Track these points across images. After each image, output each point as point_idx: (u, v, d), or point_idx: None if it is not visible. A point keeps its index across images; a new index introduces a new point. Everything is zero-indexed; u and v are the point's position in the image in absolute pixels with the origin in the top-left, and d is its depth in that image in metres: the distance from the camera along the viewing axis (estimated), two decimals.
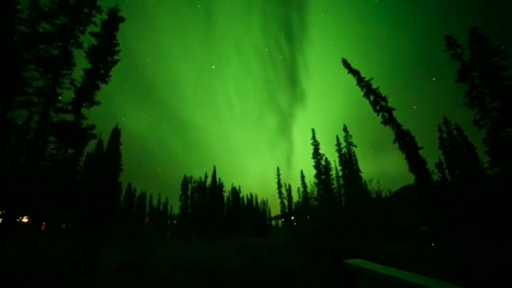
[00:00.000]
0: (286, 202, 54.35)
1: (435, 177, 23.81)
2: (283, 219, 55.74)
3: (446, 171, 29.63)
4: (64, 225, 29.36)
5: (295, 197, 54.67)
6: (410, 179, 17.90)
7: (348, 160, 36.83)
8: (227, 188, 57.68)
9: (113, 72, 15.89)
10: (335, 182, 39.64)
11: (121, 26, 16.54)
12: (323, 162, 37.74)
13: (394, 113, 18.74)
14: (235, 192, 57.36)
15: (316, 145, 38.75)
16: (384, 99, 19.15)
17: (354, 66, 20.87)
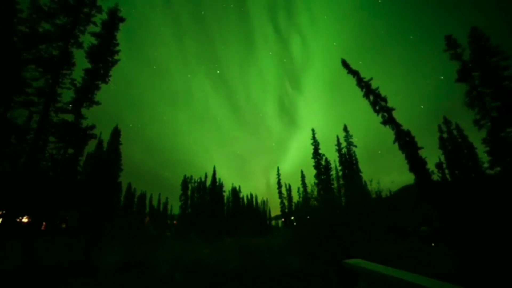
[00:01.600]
0: (286, 202, 54.37)
1: (435, 177, 23.82)
2: (283, 219, 55.74)
3: (446, 171, 29.62)
4: (64, 225, 29.35)
5: (295, 197, 54.73)
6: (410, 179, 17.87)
7: (348, 160, 36.83)
8: (227, 188, 57.73)
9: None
10: (335, 182, 39.64)
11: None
12: (323, 162, 37.74)
13: (394, 113, 18.73)
14: (235, 192, 57.36)
15: (316, 145, 38.74)
16: (384, 99, 19.13)
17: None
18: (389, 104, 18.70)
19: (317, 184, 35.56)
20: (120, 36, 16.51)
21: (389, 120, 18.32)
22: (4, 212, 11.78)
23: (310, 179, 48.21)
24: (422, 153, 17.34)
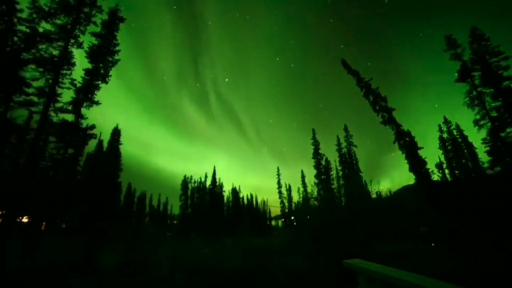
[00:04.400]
0: (286, 202, 54.39)
1: (435, 177, 23.83)
2: (283, 219, 55.78)
3: (446, 171, 29.63)
4: (64, 225, 29.37)
5: (295, 197, 54.76)
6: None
7: (348, 160, 36.83)
8: (227, 188, 57.72)
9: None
10: (335, 182, 39.62)
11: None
12: (323, 162, 37.73)
13: (394, 113, 18.75)
14: (235, 192, 57.34)
15: (316, 145, 38.75)
16: (384, 99, 19.15)
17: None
18: (389, 105, 18.73)
19: (317, 184, 35.58)
20: (119, 35, 16.50)
21: (389, 120, 18.35)
22: (4, 212, 11.79)
23: (310, 179, 48.25)
24: (422, 153, 17.36)
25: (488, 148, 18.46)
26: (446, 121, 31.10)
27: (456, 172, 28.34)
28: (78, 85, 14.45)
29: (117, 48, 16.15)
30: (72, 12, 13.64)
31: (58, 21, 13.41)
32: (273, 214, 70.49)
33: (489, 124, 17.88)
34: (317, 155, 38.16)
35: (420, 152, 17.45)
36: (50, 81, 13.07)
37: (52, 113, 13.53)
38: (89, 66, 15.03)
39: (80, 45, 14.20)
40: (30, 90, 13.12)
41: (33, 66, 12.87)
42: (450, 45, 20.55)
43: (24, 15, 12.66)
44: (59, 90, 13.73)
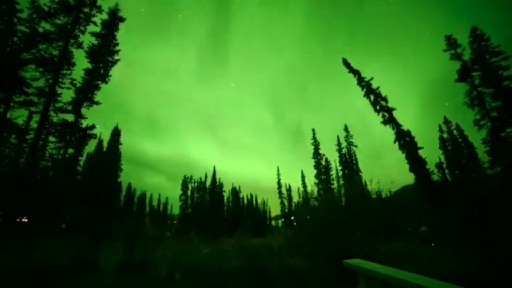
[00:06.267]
0: (286, 202, 54.39)
1: (435, 177, 23.82)
2: (283, 219, 55.79)
3: (446, 171, 29.59)
4: (64, 225, 29.39)
5: (295, 197, 54.75)
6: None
7: (348, 160, 36.82)
8: (227, 188, 57.68)
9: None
10: (335, 182, 39.62)
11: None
12: (323, 162, 37.74)
13: (394, 113, 18.75)
14: (235, 192, 57.32)
15: (316, 145, 38.77)
16: (385, 99, 19.17)
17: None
18: (390, 104, 18.74)
19: (317, 184, 35.61)
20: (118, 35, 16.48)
21: (390, 120, 18.36)
22: (4, 212, 11.79)
23: (310, 179, 48.30)
24: (422, 153, 17.36)
25: (488, 148, 18.46)
26: (446, 121, 31.09)
27: (456, 172, 28.31)
28: (78, 85, 14.44)
29: (117, 48, 16.15)
30: (72, 12, 13.65)
31: (58, 21, 13.41)
32: (273, 214, 70.50)
33: (489, 124, 17.87)
34: (317, 155, 38.18)
35: (420, 152, 17.47)
36: (50, 81, 13.07)
37: (52, 113, 13.52)
38: (89, 66, 15.03)
39: (80, 45, 14.20)
40: (30, 90, 13.11)
41: (33, 66, 12.87)
42: (450, 45, 20.53)
43: (24, 15, 12.67)
44: (59, 90, 13.74)
